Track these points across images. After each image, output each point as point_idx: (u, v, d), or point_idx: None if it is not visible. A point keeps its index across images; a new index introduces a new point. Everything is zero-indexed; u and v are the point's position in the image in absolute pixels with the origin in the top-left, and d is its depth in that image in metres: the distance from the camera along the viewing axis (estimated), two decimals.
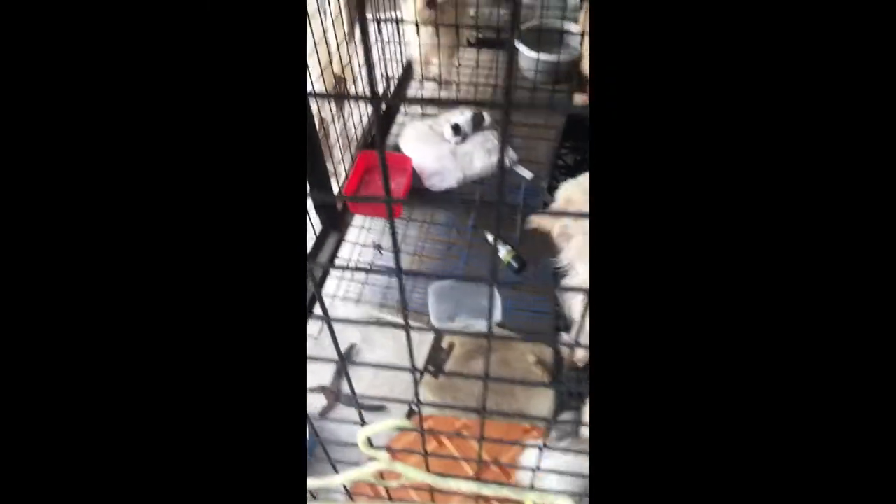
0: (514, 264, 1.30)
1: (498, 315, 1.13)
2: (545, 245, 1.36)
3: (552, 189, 1.33)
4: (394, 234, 0.32)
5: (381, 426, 0.53)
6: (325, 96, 1.04)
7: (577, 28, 1.54)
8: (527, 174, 1.51)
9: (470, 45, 1.77)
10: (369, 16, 1.57)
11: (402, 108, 1.71)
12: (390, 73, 1.75)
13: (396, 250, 0.33)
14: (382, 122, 1.65)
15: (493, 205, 1.44)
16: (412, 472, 0.53)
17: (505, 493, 0.45)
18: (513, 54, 0.22)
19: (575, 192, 1.12)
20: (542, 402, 1.07)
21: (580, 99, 1.64)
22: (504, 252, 1.31)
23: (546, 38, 1.71)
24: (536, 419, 0.45)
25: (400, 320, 1.29)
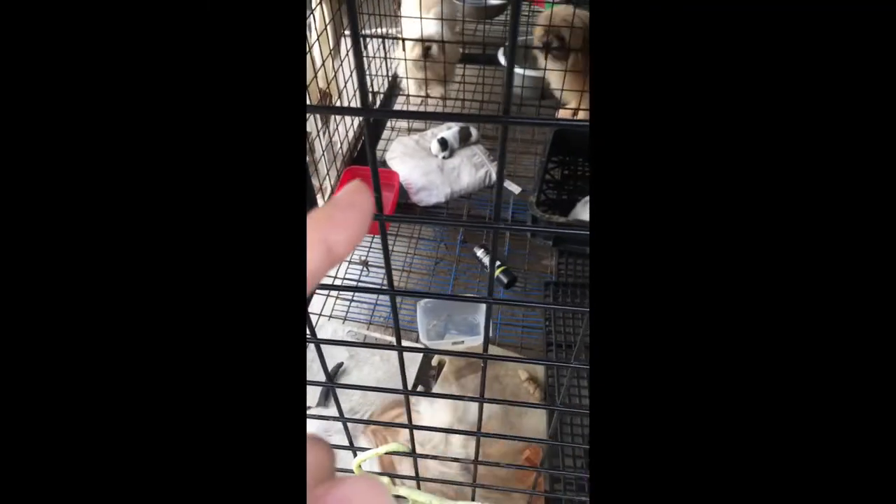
0: (504, 279, 1.29)
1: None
2: (535, 259, 1.35)
3: (540, 203, 1.32)
4: (386, 252, 0.31)
5: (376, 451, 0.51)
6: (322, 110, 1.02)
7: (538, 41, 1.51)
8: (515, 189, 1.51)
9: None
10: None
11: (388, 123, 1.71)
12: (376, 89, 1.75)
13: (389, 268, 0.32)
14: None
15: (482, 220, 1.43)
16: (418, 496, 0.51)
17: None
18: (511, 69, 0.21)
19: None
20: (534, 420, 1.05)
21: (563, 114, 1.65)
22: None
23: (531, 55, 1.72)
24: (534, 440, 0.44)
25: (389, 338, 1.26)
